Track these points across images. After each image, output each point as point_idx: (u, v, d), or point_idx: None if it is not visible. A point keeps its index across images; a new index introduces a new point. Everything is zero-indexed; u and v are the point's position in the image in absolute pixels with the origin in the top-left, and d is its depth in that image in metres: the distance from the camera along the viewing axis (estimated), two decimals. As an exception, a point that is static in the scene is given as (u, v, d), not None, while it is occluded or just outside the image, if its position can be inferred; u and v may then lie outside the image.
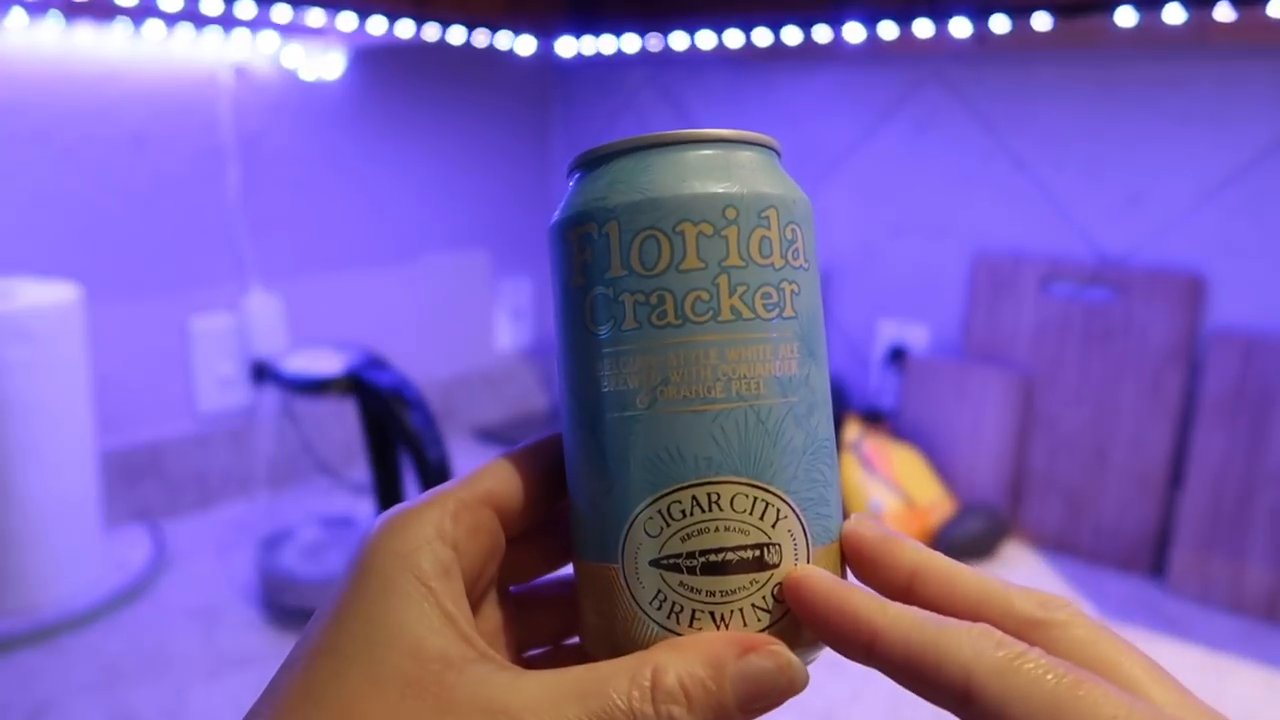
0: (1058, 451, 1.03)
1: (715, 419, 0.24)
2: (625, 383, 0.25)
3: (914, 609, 0.23)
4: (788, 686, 0.24)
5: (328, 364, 0.85)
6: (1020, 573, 0.97)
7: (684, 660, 0.23)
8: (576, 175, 0.27)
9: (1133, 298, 0.98)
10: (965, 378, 1.07)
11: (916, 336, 1.16)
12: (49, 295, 0.84)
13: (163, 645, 0.82)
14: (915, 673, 0.22)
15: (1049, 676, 0.20)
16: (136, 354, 1.05)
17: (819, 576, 0.24)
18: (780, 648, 0.24)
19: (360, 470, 1.19)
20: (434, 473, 0.77)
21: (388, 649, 0.23)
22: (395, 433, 0.81)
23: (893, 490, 1.02)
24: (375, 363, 0.85)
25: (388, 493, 0.89)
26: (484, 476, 0.27)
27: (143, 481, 1.05)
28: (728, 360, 0.24)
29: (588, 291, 0.25)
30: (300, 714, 0.22)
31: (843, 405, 1.15)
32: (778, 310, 0.25)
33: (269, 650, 0.82)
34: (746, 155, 0.26)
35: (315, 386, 0.84)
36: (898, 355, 1.16)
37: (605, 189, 0.25)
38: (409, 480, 0.86)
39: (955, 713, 0.22)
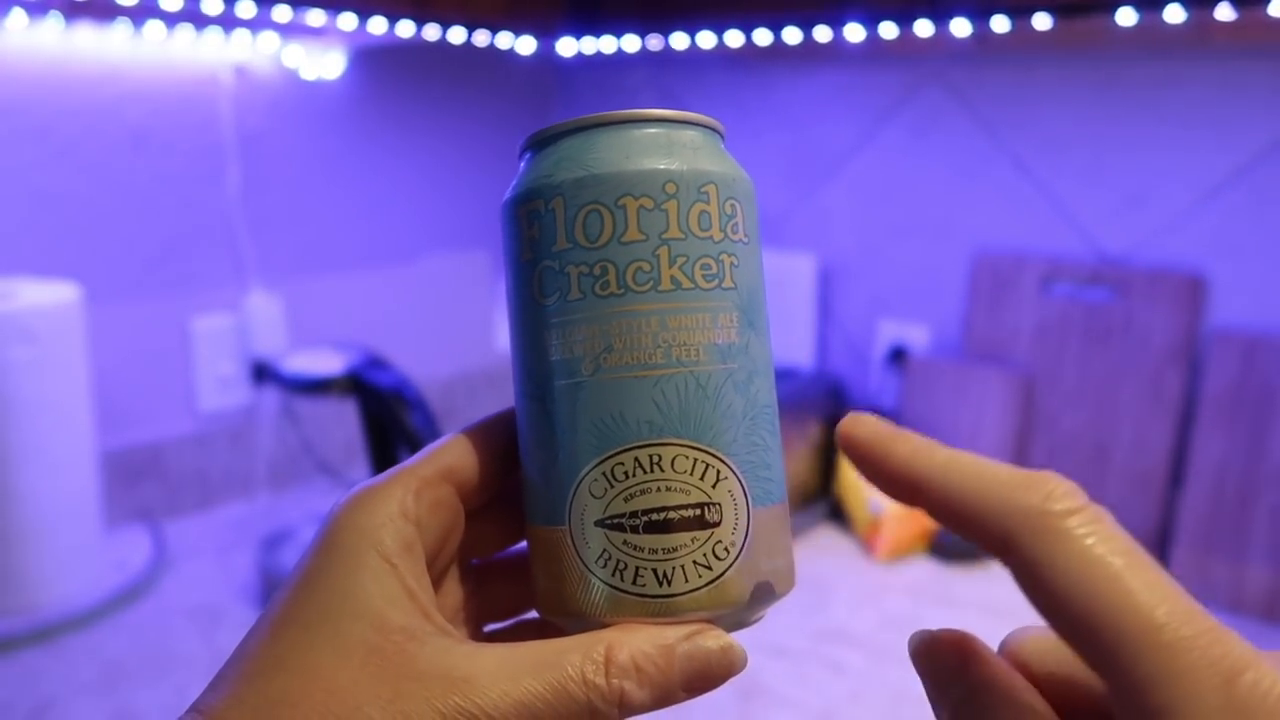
0: (1058, 451, 1.03)
1: (656, 384, 0.25)
2: (571, 351, 0.26)
3: (964, 456, 0.22)
4: (728, 666, 0.25)
5: (328, 364, 0.85)
6: (1020, 573, 0.97)
7: (636, 640, 0.24)
8: (527, 155, 0.28)
9: (1133, 298, 0.98)
10: (966, 378, 1.07)
11: (917, 336, 1.16)
12: (49, 295, 0.84)
13: (163, 645, 0.82)
14: (958, 521, 0.22)
15: (1091, 541, 0.19)
16: (137, 354, 1.05)
17: (868, 421, 0.24)
18: (720, 632, 0.25)
19: (361, 470, 1.19)
20: (434, 473, 0.77)
21: (353, 621, 0.23)
22: (395, 433, 0.81)
23: (893, 490, 1.02)
24: (375, 363, 0.85)
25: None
26: (444, 453, 0.27)
27: (143, 481, 1.05)
28: (668, 328, 0.25)
29: (535, 265, 0.26)
30: (269, 680, 0.23)
31: (843, 405, 1.15)
32: (717, 281, 0.26)
33: (269, 650, 0.82)
34: (688, 135, 0.27)
35: (316, 386, 0.84)
36: (898, 355, 1.16)
37: (552, 167, 0.26)
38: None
39: (1001, 561, 0.21)
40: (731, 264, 0.26)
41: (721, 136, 0.28)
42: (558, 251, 0.26)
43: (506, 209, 0.28)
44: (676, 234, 0.25)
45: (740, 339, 0.26)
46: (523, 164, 0.28)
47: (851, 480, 1.04)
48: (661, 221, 0.25)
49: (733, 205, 0.27)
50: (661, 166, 0.26)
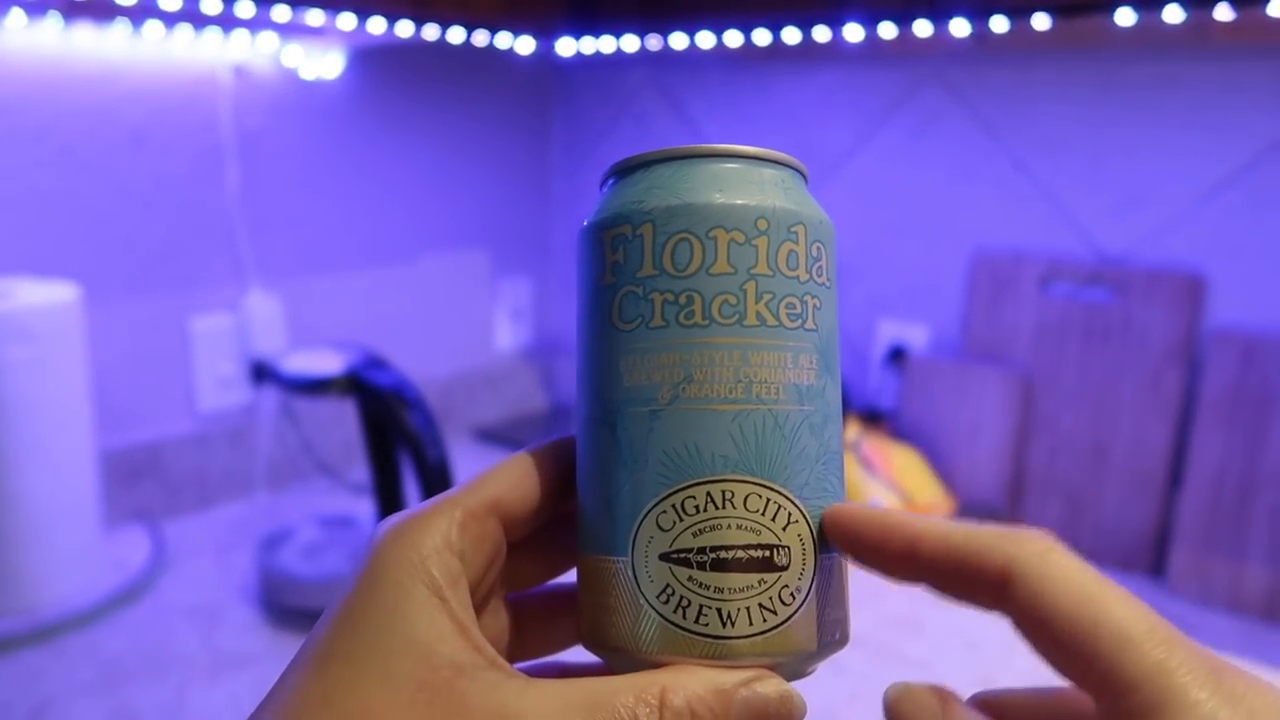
0: (1057, 451, 1.03)
1: (734, 419, 0.25)
2: (649, 378, 0.25)
3: (951, 520, 0.24)
4: (786, 716, 0.25)
5: (327, 364, 0.85)
6: (1020, 572, 0.97)
7: (692, 683, 0.23)
8: (611, 181, 0.28)
9: (1132, 298, 0.98)
10: (965, 378, 1.07)
11: (916, 336, 1.16)
12: (49, 295, 0.84)
13: (162, 645, 0.82)
14: (957, 567, 0.23)
15: (1086, 572, 0.22)
16: (136, 354, 1.05)
17: (852, 504, 0.26)
18: (780, 679, 0.25)
19: (360, 470, 1.19)
20: (434, 473, 0.77)
21: (402, 656, 0.23)
22: (395, 433, 0.81)
23: (893, 490, 1.02)
24: (375, 363, 0.85)
25: (388, 493, 0.89)
26: (489, 483, 0.27)
27: (142, 481, 1.05)
28: (750, 364, 0.25)
29: (617, 289, 0.26)
30: (315, 716, 0.22)
31: (843, 405, 1.15)
32: (800, 321, 0.26)
33: (269, 650, 0.82)
34: (777, 174, 0.27)
35: (315, 386, 0.84)
36: (897, 355, 1.16)
37: (642, 193, 0.26)
38: (409, 480, 0.86)
39: (993, 605, 0.23)
40: (815, 306, 0.26)
41: (805, 178, 0.28)
42: (643, 277, 0.26)
43: (588, 233, 0.27)
44: (765, 270, 0.25)
45: (818, 382, 0.26)
46: (606, 190, 0.28)
47: (851, 479, 1.04)
48: (751, 256, 0.25)
49: (819, 248, 0.27)
50: (754, 203, 0.26)
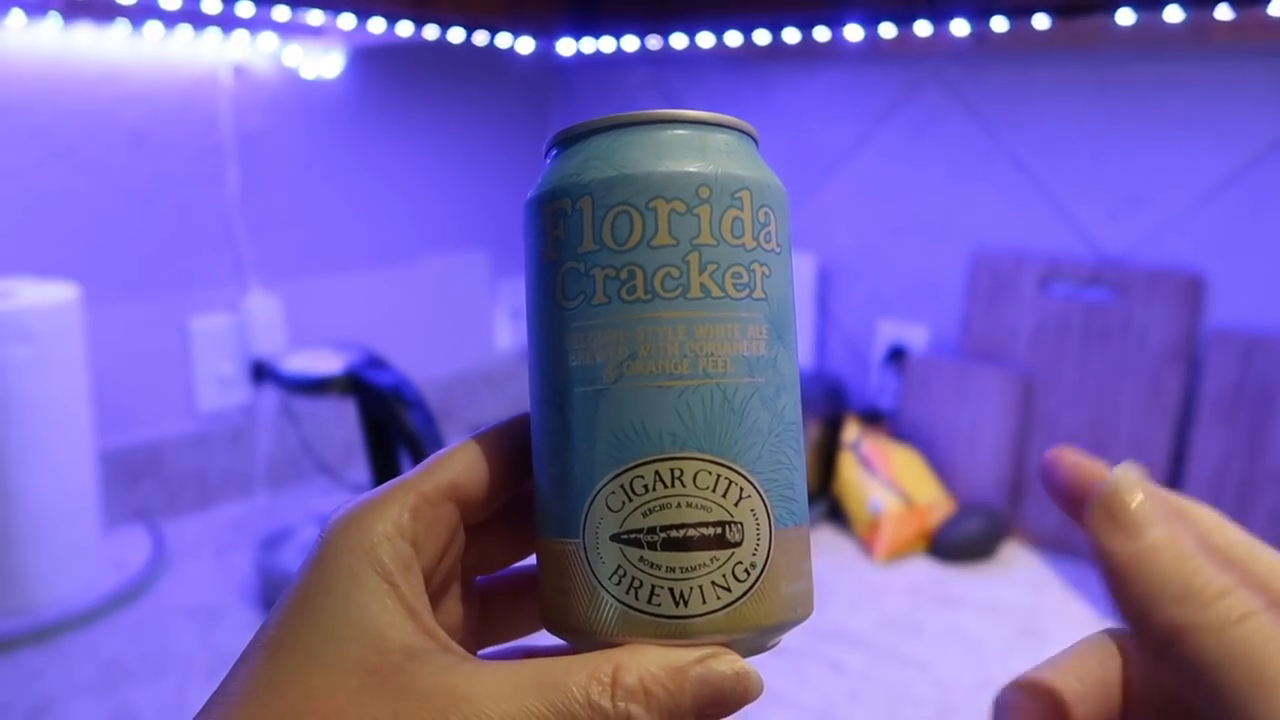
0: (1057, 451, 1.03)
1: (681, 395, 0.24)
2: (593, 357, 0.25)
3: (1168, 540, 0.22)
4: (743, 693, 0.24)
5: (327, 364, 0.85)
6: (1019, 573, 0.97)
7: (646, 661, 0.23)
8: (554, 152, 0.27)
9: (1132, 297, 0.98)
10: (965, 377, 1.07)
11: (916, 336, 1.16)
12: (49, 295, 0.84)
13: (162, 645, 0.82)
14: (1123, 611, 0.22)
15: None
16: (136, 354, 1.05)
17: (1069, 453, 0.24)
18: (735, 656, 0.24)
19: (360, 470, 1.19)
20: (433, 472, 0.77)
21: (352, 642, 0.23)
22: (395, 432, 0.81)
23: (892, 490, 1.02)
24: (375, 362, 0.85)
25: (387, 492, 0.89)
26: (443, 467, 0.26)
27: (142, 481, 1.05)
28: (695, 338, 0.24)
29: (560, 266, 0.25)
30: (263, 704, 0.22)
31: (843, 405, 1.15)
32: (747, 291, 0.25)
33: (268, 650, 0.82)
34: (722, 138, 0.26)
35: (315, 386, 0.84)
36: (897, 355, 1.16)
37: (580, 165, 0.25)
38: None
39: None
40: (763, 274, 0.25)
41: (755, 141, 0.27)
42: (583, 253, 0.25)
43: (530, 207, 0.27)
44: (708, 240, 0.24)
45: (769, 352, 0.25)
46: (549, 162, 0.27)
47: (851, 480, 1.04)
48: (693, 226, 0.24)
49: (766, 213, 0.26)
50: (694, 169, 0.25)
